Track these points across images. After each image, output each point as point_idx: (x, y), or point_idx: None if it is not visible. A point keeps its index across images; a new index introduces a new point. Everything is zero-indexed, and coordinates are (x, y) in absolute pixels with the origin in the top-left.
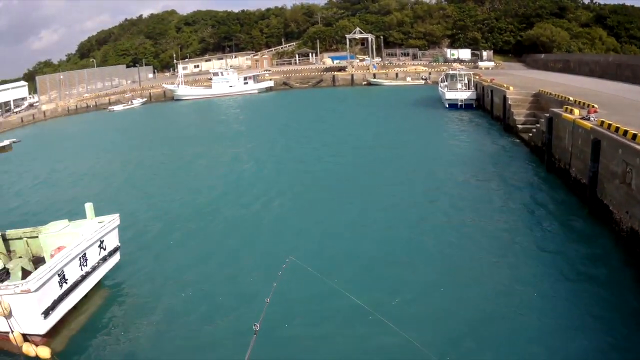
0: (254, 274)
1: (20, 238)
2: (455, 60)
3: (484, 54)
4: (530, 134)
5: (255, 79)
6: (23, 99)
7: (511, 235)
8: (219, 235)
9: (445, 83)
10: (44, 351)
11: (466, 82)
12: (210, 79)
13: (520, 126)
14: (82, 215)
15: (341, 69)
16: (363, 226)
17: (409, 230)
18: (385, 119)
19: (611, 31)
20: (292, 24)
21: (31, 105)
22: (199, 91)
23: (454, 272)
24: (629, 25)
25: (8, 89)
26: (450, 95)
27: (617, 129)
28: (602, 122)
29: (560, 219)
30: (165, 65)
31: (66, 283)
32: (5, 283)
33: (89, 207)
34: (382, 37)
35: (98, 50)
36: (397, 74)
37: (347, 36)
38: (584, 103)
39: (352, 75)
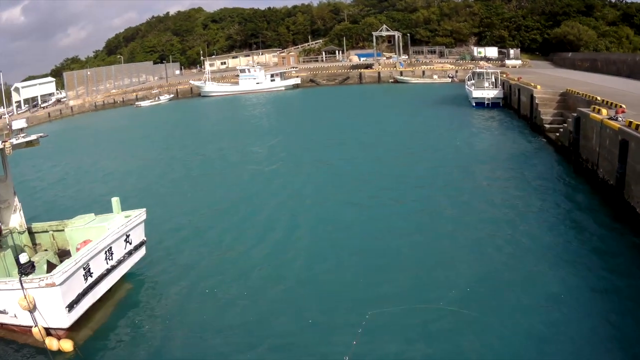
0: (286, 274)
1: (46, 231)
2: (482, 59)
3: (511, 52)
4: (558, 134)
5: (282, 76)
6: (51, 94)
7: (536, 236)
8: (249, 234)
9: (472, 81)
10: (67, 344)
11: (493, 80)
12: (237, 75)
13: (547, 125)
14: (108, 209)
15: (368, 66)
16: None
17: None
18: (412, 117)
19: (638, 30)
20: (319, 21)
21: (58, 101)
22: (225, 88)
23: (484, 277)
24: None
25: (36, 84)
26: (477, 93)
27: None
28: (630, 122)
29: (586, 220)
30: (192, 62)
31: (91, 277)
32: (30, 276)
33: (115, 201)
34: (408, 34)
35: (125, 47)
36: (423, 72)
37: (374, 33)
38: (611, 103)
39: (379, 73)
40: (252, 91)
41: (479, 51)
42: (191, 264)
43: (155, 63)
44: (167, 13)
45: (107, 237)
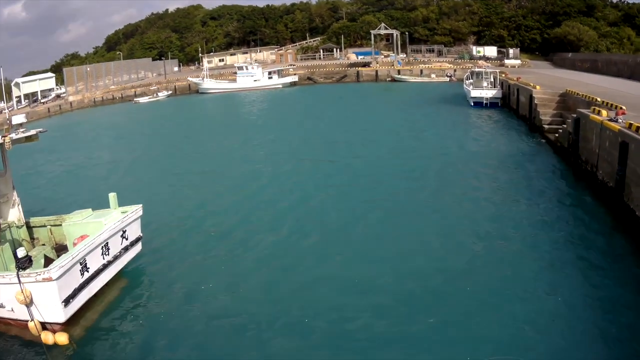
0: (280, 268)
1: (44, 226)
2: (481, 58)
3: (510, 51)
4: (557, 135)
5: (280, 73)
6: (50, 90)
7: (534, 238)
8: (245, 229)
9: (471, 81)
10: (63, 339)
11: (492, 80)
12: (235, 72)
13: (546, 126)
14: (106, 205)
15: (365, 64)
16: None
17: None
18: (409, 115)
19: None
20: (317, 19)
21: (58, 96)
22: (223, 85)
23: (468, 277)
24: None
25: (36, 80)
26: (475, 93)
27: None
28: (631, 124)
29: (585, 222)
30: (190, 59)
31: (87, 272)
32: (27, 271)
33: (112, 197)
34: (407, 33)
35: (125, 44)
36: (421, 71)
37: (372, 32)
38: (611, 104)
39: (377, 71)
40: (249, 88)
41: (477, 50)
42: (186, 259)
43: (154, 60)
44: (167, 10)
45: (103, 233)
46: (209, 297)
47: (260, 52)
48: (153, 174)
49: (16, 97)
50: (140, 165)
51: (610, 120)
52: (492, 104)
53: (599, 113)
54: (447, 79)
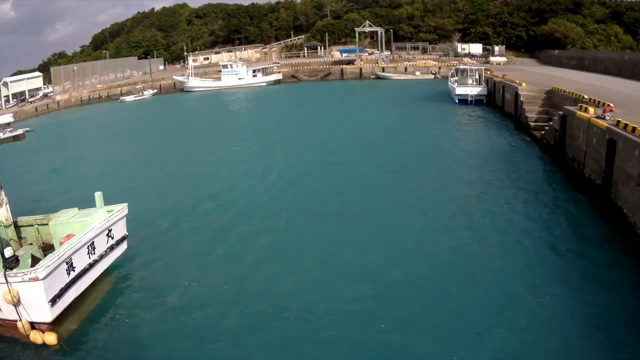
0: (264, 267)
1: (31, 225)
2: (466, 55)
3: (496, 49)
4: (543, 132)
5: (264, 71)
6: (38, 89)
7: (520, 237)
8: (228, 227)
9: (456, 78)
10: (51, 338)
11: (477, 77)
12: (220, 71)
13: (532, 124)
14: (92, 204)
15: (350, 62)
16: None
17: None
18: (392, 113)
19: (627, 28)
20: (302, 17)
21: (45, 96)
22: (208, 83)
23: (454, 274)
24: None
25: (23, 79)
26: (460, 90)
27: (633, 129)
28: (618, 121)
29: (571, 220)
30: (175, 58)
31: (74, 271)
32: (15, 270)
33: (98, 196)
34: (391, 30)
35: (111, 43)
36: (406, 68)
37: (357, 29)
38: (599, 101)
39: (361, 69)
40: (234, 87)
41: (463, 47)
42: (172, 258)
43: (139, 58)
44: (153, 9)
45: (89, 232)
46: (195, 294)
47: (244, 50)
48: (138, 172)
49: (4, 96)
50: (127, 164)
51: (598, 117)
52: (477, 102)
53: (586, 110)
54: (432, 77)
